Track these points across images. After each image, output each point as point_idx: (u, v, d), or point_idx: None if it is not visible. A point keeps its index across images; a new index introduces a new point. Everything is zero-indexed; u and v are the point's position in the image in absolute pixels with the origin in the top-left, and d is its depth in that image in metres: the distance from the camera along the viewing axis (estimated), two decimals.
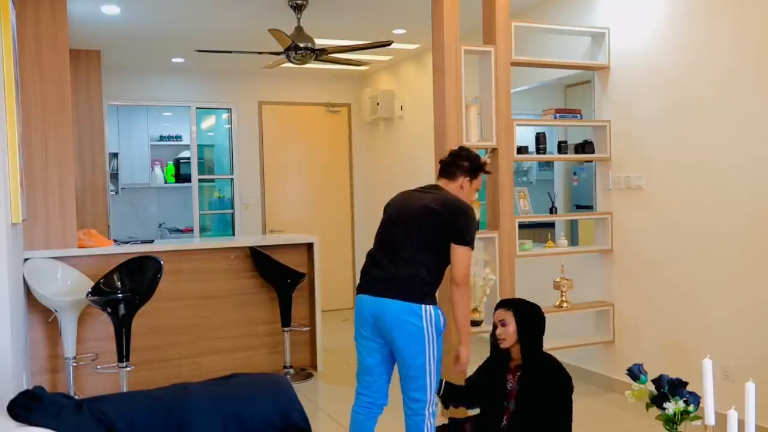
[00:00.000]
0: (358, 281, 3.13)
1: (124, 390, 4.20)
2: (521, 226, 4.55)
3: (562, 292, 4.61)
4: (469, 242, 2.97)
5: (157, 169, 8.53)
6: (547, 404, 2.93)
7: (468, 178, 3.14)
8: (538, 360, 3.04)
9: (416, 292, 2.90)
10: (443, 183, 3.15)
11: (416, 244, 2.95)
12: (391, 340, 2.92)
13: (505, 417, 3.03)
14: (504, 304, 3.21)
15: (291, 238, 5.56)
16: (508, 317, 3.09)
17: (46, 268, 4.42)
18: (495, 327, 3.14)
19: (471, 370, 3.26)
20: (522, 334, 3.06)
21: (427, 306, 2.90)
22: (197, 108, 7.82)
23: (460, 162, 3.14)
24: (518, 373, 3.06)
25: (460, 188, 3.13)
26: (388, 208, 3.18)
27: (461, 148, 3.26)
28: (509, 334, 3.07)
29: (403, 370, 2.96)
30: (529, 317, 3.11)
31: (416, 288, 2.90)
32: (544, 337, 3.13)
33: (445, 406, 3.26)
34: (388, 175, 7.80)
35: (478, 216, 4.32)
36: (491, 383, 3.13)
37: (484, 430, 3.08)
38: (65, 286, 4.45)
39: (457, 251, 2.95)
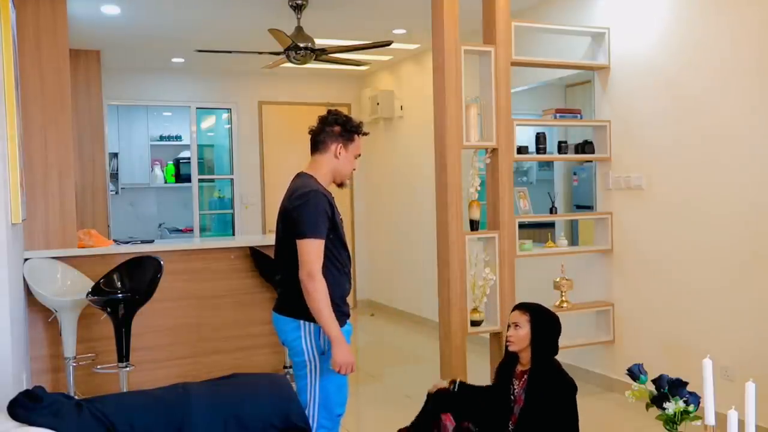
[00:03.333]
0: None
1: (124, 390, 4.20)
2: (521, 226, 4.55)
3: (562, 292, 4.61)
4: (306, 233, 2.63)
5: (157, 169, 8.54)
6: (553, 412, 2.89)
7: (341, 144, 2.81)
8: (547, 368, 2.98)
9: (293, 306, 2.72)
10: (317, 159, 2.83)
11: (283, 254, 2.78)
12: None
13: (511, 422, 3.01)
14: (521, 306, 3.13)
15: None
16: (523, 321, 3.03)
17: (46, 268, 4.41)
18: (508, 327, 3.08)
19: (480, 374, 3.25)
20: (535, 340, 3.00)
21: (307, 322, 2.70)
22: (197, 108, 7.82)
23: (329, 128, 2.81)
24: (524, 378, 3.03)
25: (335, 158, 2.80)
26: None
27: (329, 111, 2.87)
28: (520, 337, 3.01)
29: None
30: (544, 324, 3.05)
31: (293, 301, 2.72)
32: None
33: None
34: (388, 175, 7.80)
35: (477, 216, 4.32)
36: (499, 386, 3.11)
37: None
38: (65, 286, 4.45)
39: (304, 246, 2.63)
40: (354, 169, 2.88)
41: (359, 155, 2.90)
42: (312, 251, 2.62)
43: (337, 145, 2.80)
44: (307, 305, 2.63)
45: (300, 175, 2.84)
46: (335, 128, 2.80)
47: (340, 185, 2.91)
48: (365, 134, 2.97)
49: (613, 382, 4.67)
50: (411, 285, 7.22)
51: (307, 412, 2.72)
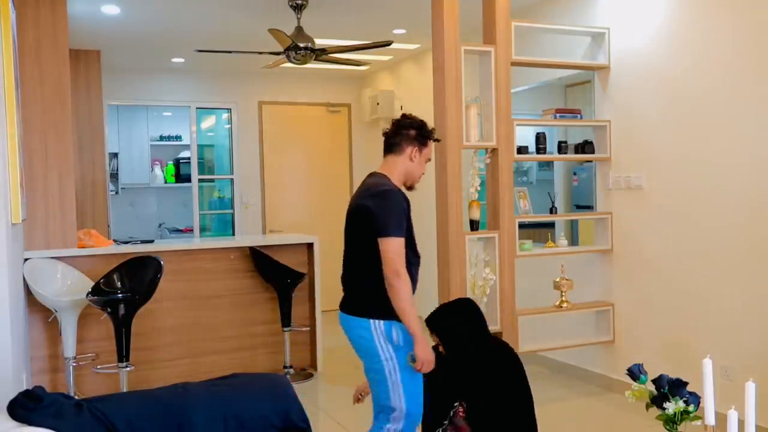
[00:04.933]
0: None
1: (124, 390, 4.20)
2: (521, 226, 4.55)
3: (562, 292, 4.61)
4: (390, 231, 2.65)
5: (157, 169, 8.54)
6: (494, 397, 2.92)
7: (416, 147, 2.85)
8: (462, 360, 3.01)
9: (363, 305, 2.74)
10: (390, 160, 2.87)
11: (352, 251, 2.80)
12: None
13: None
14: (426, 323, 3.13)
15: (291, 238, 5.56)
16: (433, 339, 3.09)
17: (46, 268, 4.42)
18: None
19: None
20: (443, 342, 3.07)
21: (377, 320, 2.70)
22: (197, 108, 7.82)
23: (405, 131, 2.85)
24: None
25: (410, 160, 2.85)
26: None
27: (404, 116, 2.94)
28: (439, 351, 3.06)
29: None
30: (439, 325, 3.10)
31: (362, 300, 2.75)
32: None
33: None
34: None
35: (477, 216, 4.32)
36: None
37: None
38: (65, 286, 4.45)
39: (385, 244, 2.64)
40: (423, 173, 2.94)
41: (429, 160, 2.97)
42: (398, 249, 2.65)
43: (412, 147, 2.85)
44: (392, 303, 2.65)
45: (374, 174, 2.89)
46: (411, 132, 2.86)
47: (410, 188, 2.95)
48: (437, 140, 3.07)
49: (613, 382, 4.67)
50: None
51: (393, 412, 2.72)
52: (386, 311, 2.68)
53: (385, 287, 2.65)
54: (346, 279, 2.85)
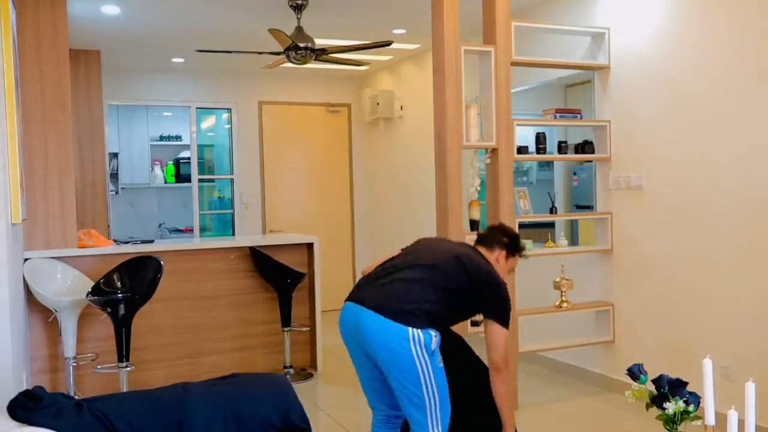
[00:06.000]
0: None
1: (124, 390, 4.20)
2: (521, 226, 4.55)
3: (562, 292, 4.61)
4: (507, 322, 2.83)
5: (157, 169, 8.54)
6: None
7: (505, 253, 3.02)
8: None
9: (407, 312, 2.62)
10: (482, 250, 3.01)
11: (446, 281, 2.76)
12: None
13: None
14: None
15: (291, 238, 5.56)
16: None
17: (46, 268, 4.42)
18: None
19: None
20: None
21: (416, 329, 2.59)
22: (197, 108, 7.82)
23: (500, 237, 3.04)
24: None
25: (496, 261, 2.99)
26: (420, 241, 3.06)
27: (501, 225, 3.20)
28: None
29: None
30: None
31: (409, 306, 2.63)
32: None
33: None
34: (388, 175, 7.80)
35: (477, 216, 4.33)
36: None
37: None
38: (65, 286, 4.45)
39: (495, 329, 2.79)
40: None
41: (513, 271, 3.17)
42: (506, 341, 2.83)
43: (500, 251, 3.02)
44: (493, 390, 2.82)
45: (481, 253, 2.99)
46: (504, 239, 3.04)
47: None
48: (525, 257, 3.26)
49: (613, 382, 4.67)
50: None
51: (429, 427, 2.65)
52: (427, 323, 2.63)
53: (435, 313, 2.67)
54: (399, 277, 2.73)
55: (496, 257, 3.00)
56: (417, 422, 2.63)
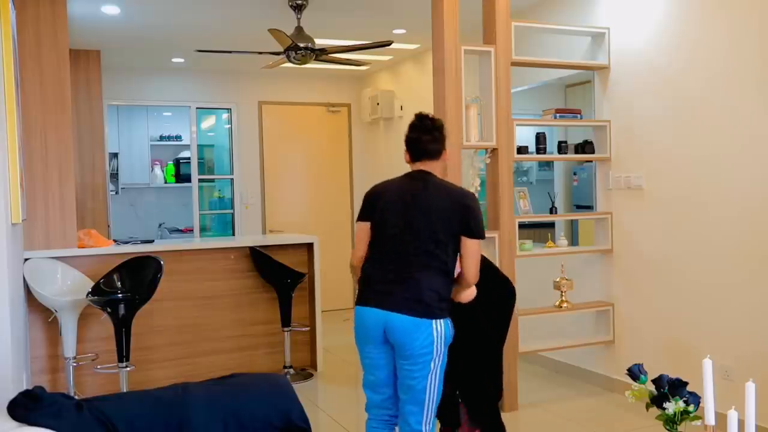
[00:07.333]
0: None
1: (124, 390, 4.20)
2: (521, 226, 4.55)
3: (562, 292, 4.61)
4: (482, 234, 2.77)
5: (157, 169, 8.53)
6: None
7: (444, 148, 2.87)
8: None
9: (426, 306, 2.67)
10: (428, 166, 2.86)
11: (433, 250, 2.72)
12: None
13: None
14: None
15: (291, 238, 5.56)
16: None
17: (46, 268, 4.42)
18: None
19: None
20: None
21: (437, 320, 2.67)
22: (197, 108, 7.82)
23: (441, 134, 2.85)
24: None
25: (445, 165, 2.88)
26: (378, 203, 2.87)
27: (429, 117, 2.91)
28: None
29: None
30: None
31: (426, 300, 2.67)
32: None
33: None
34: (388, 175, 7.75)
35: None
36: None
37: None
38: (65, 286, 4.45)
39: (473, 244, 2.73)
40: None
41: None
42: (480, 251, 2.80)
43: (444, 151, 2.92)
44: (462, 298, 2.80)
45: (430, 174, 2.86)
46: (444, 133, 2.89)
47: None
48: None
49: (613, 382, 4.67)
50: None
51: (425, 413, 2.71)
52: (445, 309, 2.71)
53: (447, 285, 2.72)
54: (405, 276, 2.71)
55: (443, 159, 2.88)
56: (412, 411, 2.73)
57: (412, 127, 2.90)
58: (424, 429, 2.74)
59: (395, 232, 2.76)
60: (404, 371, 2.71)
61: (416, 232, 2.72)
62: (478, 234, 2.74)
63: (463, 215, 2.73)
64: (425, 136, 2.85)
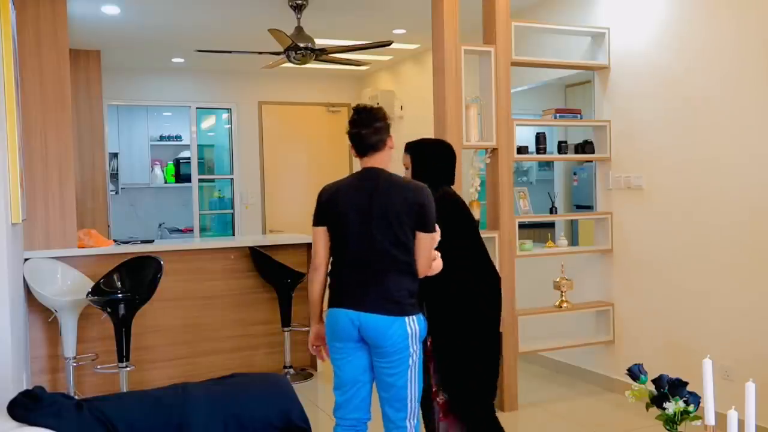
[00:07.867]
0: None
1: (124, 390, 4.20)
2: (521, 226, 4.55)
3: (562, 292, 4.61)
4: (434, 228, 2.76)
5: (157, 169, 8.54)
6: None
7: (388, 136, 2.80)
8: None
9: (398, 303, 2.71)
10: (374, 161, 2.79)
11: (396, 246, 2.71)
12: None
13: None
14: (406, 148, 3.26)
15: (291, 238, 5.56)
16: (407, 159, 3.20)
17: (46, 268, 4.42)
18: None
19: None
20: (414, 169, 3.16)
21: (409, 317, 2.72)
22: (197, 108, 7.82)
23: (381, 124, 2.78)
24: None
25: (390, 155, 2.81)
26: (334, 207, 2.80)
27: (367, 109, 2.82)
28: (408, 174, 3.17)
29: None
30: (420, 151, 3.21)
31: (397, 298, 2.71)
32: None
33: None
34: None
35: (477, 216, 4.32)
36: None
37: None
38: (65, 286, 4.45)
39: (426, 238, 2.73)
40: None
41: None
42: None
43: (389, 139, 2.84)
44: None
45: (381, 170, 2.80)
46: (386, 122, 2.82)
47: None
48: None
49: (613, 382, 4.67)
50: None
51: (408, 408, 2.75)
52: (416, 305, 2.76)
53: (414, 282, 2.74)
54: (371, 277, 2.73)
55: (389, 148, 2.82)
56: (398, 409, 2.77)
57: (352, 122, 2.83)
58: (408, 425, 2.78)
59: (356, 240, 2.76)
60: (383, 370, 2.74)
61: (377, 240, 2.71)
62: (430, 228, 2.76)
63: (418, 212, 2.72)
64: (365, 130, 2.78)
